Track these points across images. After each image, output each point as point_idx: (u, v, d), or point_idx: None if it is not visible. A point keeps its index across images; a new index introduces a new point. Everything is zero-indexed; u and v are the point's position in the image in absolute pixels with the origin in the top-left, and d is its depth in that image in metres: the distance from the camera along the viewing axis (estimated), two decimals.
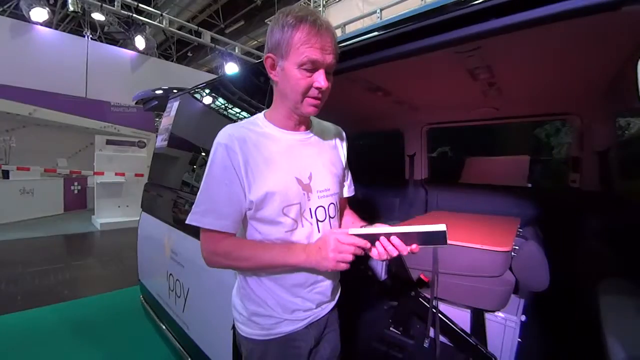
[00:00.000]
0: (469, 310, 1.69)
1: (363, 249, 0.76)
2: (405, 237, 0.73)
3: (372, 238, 0.75)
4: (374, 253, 0.76)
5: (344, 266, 0.75)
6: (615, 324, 1.04)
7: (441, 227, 0.67)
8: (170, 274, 1.85)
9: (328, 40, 0.76)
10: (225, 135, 0.81)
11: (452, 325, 1.62)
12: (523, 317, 1.61)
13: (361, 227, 0.84)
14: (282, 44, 0.76)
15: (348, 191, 1.08)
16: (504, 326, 1.58)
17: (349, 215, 1.07)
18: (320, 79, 0.77)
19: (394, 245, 0.74)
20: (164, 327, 2.05)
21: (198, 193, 0.83)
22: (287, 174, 0.83)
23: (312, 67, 0.76)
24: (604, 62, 1.42)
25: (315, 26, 0.74)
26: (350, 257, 0.74)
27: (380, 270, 2.24)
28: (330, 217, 0.91)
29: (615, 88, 1.68)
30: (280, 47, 0.77)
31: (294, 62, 0.76)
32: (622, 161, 1.88)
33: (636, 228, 1.47)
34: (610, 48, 1.25)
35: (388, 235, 0.74)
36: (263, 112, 0.91)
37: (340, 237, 0.75)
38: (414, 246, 0.74)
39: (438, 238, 0.69)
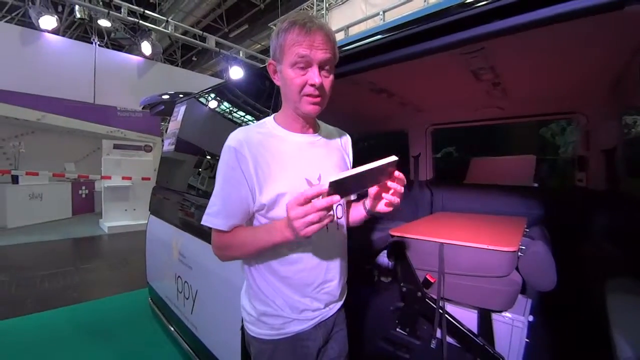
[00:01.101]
0: (476, 311, 1.68)
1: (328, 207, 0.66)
2: (374, 173, 0.73)
3: (347, 183, 0.66)
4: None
5: (317, 227, 0.66)
6: (623, 323, 1.04)
7: (393, 158, 0.71)
8: (179, 276, 1.87)
9: (318, 37, 0.77)
10: (235, 139, 0.83)
11: (459, 326, 1.62)
12: (530, 317, 1.60)
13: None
14: (277, 49, 0.81)
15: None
16: (511, 326, 1.58)
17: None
18: (312, 75, 0.78)
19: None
20: (172, 329, 2.07)
21: (212, 195, 0.86)
22: (296, 175, 0.85)
23: (304, 64, 0.78)
24: (608, 61, 1.42)
25: (305, 27, 0.76)
26: (316, 218, 0.64)
27: (387, 263, 2.25)
28: (337, 217, 0.93)
29: (620, 86, 1.67)
30: (277, 52, 0.82)
31: (287, 62, 0.79)
32: (629, 159, 1.87)
33: None
34: (615, 47, 1.25)
35: (359, 176, 0.67)
36: (272, 115, 0.94)
37: (294, 203, 0.66)
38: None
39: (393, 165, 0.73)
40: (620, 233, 1.68)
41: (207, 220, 0.85)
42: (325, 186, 0.63)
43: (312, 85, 0.79)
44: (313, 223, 0.65)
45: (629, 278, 1.35)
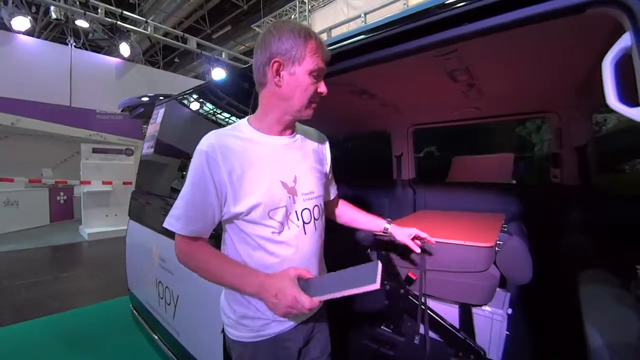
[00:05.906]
0: (457, 306, 1.72)
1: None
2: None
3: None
4: None
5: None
6: (594, 312, 1.08)
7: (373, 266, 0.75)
8: (160, 282, 1.83)
9: (327, 53, 0.86)
10: (207, 143, 0.82)
11: (441, 321, 1.65)
12: (509, 310, 1.65)
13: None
14: (293, 52, 0.81)
15: (332, 193, 1.11)
16: (491, 320, 1.62)
17: (344, 205, 1.16)
18: (323, 86, 0.87)
19: None
20: (155, 335, 2.03)
21: (177, 197, 0.85)
22: (272, 178, 0.85)
23: (319, 74, 0.85)
24: (576, 62, 1.48)
25: (320, 40, 0.85)
26: (296, 312, 0.76)
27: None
28: (315, 219, 0.92)
29: (589, 86, 1.74)
30: (291, 54, 0.81)
31: (306, 69, 0.82)
32: (600, 156, 1.94)
33: (612, 219, 1.53)
34: (581, 48, 1.30)
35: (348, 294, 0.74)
36: (246, 118, 0.93)
37: (299, 299, 0.74)
38: None
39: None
40: (592, 226, 1.75)
41: (168, 223, 0.85)
42: (318, 305, 0.76)
43: (320, 93, 0.87)
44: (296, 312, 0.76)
45: (601, 269, 1.40)
